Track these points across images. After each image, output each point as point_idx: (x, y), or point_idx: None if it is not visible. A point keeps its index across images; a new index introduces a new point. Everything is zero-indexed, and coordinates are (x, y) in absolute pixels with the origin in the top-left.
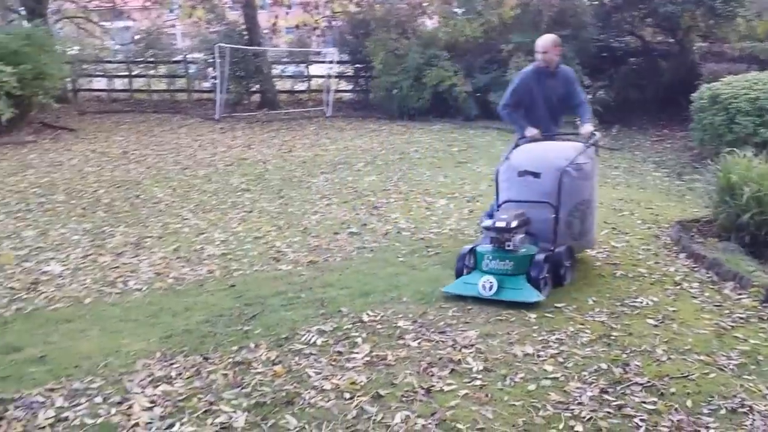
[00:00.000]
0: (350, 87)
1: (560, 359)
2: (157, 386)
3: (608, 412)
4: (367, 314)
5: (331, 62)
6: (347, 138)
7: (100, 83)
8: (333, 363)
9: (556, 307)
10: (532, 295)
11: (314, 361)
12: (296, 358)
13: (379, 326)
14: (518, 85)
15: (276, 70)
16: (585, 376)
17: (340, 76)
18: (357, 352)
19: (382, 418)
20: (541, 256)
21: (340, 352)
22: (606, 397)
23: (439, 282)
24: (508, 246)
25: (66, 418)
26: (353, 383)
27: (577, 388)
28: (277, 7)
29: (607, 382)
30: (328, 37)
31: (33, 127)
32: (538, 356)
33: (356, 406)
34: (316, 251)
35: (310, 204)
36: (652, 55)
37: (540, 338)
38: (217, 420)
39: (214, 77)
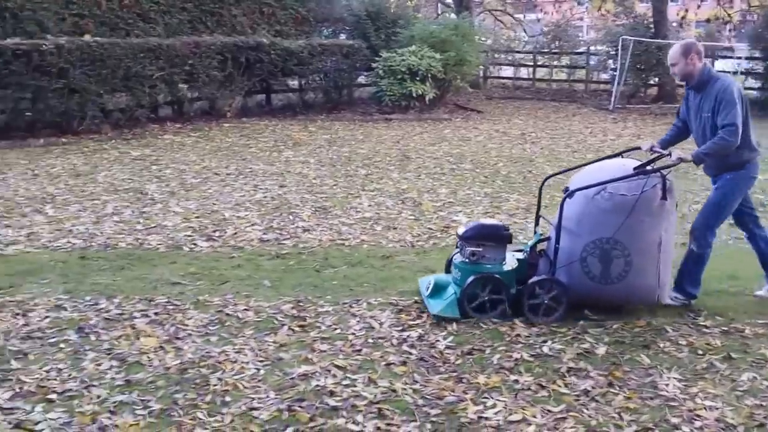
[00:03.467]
0: (758, 85)
1: None
2: None
3: None
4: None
5: (739, 58)
6: None
7: (507, 71)
8: (690, 326)
9: None
10: (437, 308)
11: (672, 321)
12: (656, 317)
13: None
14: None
15: None
16: None
17: (748, 72)
18: (714, 323)
19: (730, 374)
20: (478, 277)
21: (696, 320)
22: None
23: None
24: (464, 255)
25: None
26: (707, 344)
27: None
28: (689, 0)
29: None
30: (740, 32)
31: (448, 107)
32: None
33: (706, 360)
34: None
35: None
36: None
37: None
38: (582, 346)
39: (614, 69)
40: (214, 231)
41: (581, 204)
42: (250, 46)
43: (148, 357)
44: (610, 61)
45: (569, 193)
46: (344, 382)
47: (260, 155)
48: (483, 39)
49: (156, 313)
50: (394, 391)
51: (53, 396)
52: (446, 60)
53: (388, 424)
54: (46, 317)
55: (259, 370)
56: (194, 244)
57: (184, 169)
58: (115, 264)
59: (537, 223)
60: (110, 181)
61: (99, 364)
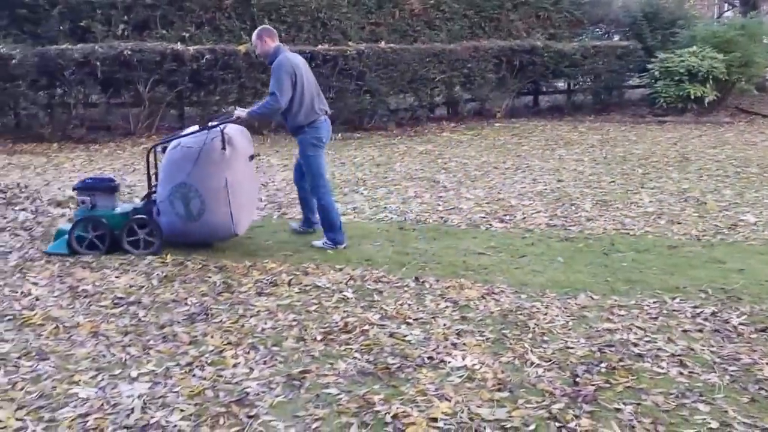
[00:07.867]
0: None
1: None
2: None
3: None
4: None
5: None
6: None
7: None
8: None
9: None
10: (49, 247)
11: None
12: None
13: None
14: None
15: None
16: None
17: None
18: None
19: None
20: (80, 219)
21: None
22: None
23: None
24: (77, 203)
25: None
26: None
27: None
28: None
29: None
30: None
31: (729, 111)
32: None
33: None
34: None
35: None
36: None
37: None
38: None
39: None
40: (505, 215)
41: (167, 158)
42: (524, 50)
43: (474, 303)
44: None
45: (160, 148)
46: (645, 339)
47: (533, 153)
48: None
49: (471, 273)
50: (692, 349)
51: (410, 320)
52: (730, 61)
53: (690, 372)
54: (386, 268)
55: (567, 322)
56: (489, 224)
57: (465, 162)
58: (428, 235)
59: (151, 181)
60: (406, 170)
61: (438, 304)
